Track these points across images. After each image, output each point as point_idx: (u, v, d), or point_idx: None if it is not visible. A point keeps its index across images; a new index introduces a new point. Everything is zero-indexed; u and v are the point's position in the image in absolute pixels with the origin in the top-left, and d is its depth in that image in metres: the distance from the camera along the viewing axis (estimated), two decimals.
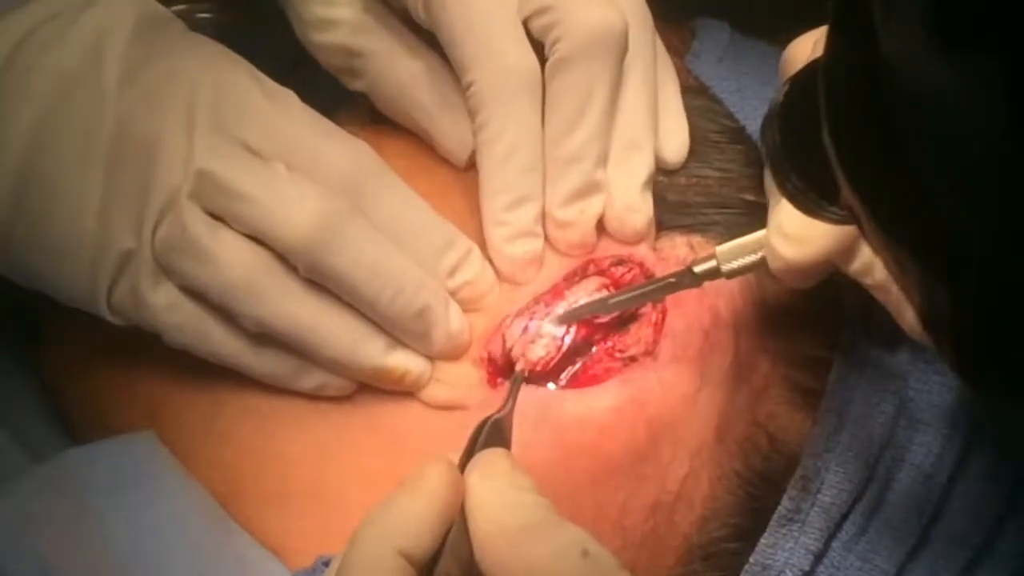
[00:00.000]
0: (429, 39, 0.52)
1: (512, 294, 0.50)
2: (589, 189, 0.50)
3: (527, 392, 0.49)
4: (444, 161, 0.53)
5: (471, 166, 0.51)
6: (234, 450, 0.50)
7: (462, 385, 0.49)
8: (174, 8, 0.52)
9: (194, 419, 0.51)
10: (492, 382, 0.49)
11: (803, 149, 0.38)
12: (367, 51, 0.53)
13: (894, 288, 0.46)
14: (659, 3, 0.54)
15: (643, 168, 0.51)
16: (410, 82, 0.53)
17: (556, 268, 0.51)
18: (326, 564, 0.45)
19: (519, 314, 0.50)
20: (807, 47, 0.47)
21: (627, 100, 0.51)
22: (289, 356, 0.48)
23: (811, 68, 0.39)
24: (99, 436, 0.51)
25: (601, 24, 0.48)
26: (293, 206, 0.45)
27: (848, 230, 0.44)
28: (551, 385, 0.49)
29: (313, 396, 0.49)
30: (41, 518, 0.46)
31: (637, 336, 0.50)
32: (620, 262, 0.51)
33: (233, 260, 0.46)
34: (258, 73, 0.50)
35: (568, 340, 0.50)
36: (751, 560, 0.50)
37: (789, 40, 0.49)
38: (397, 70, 0.53)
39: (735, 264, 0.48)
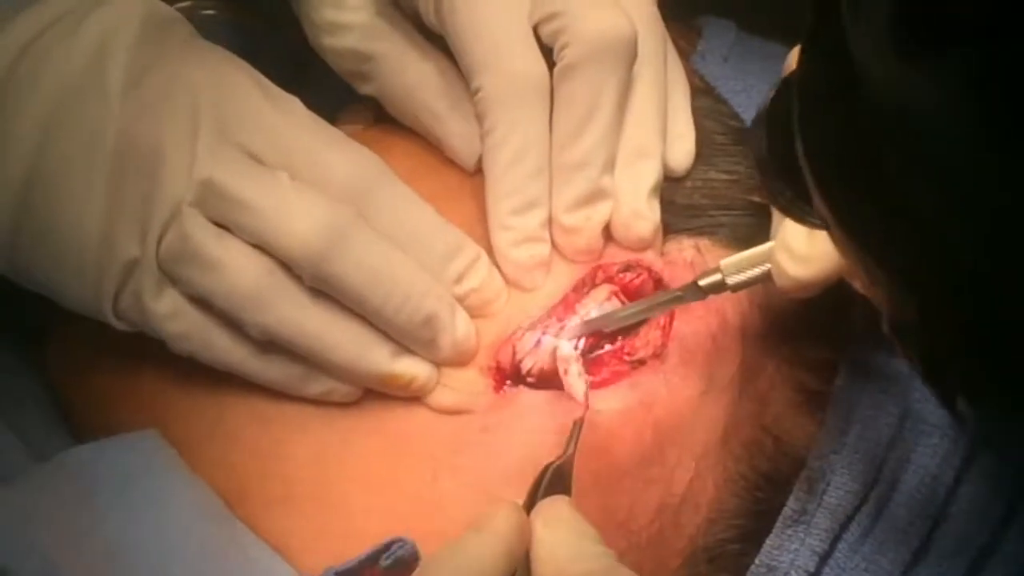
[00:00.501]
0: (440, 44, 0.52)
1: (520, 301, 0.50)
2: (595, 195, 0.50)
3: (533, 395, 0.49)
4: (450, 162, 0.53)
5: (480, 170, 0.51)
6: (239, 452, 0.50)
7: (468, 391, 0.49)
8: (178, 5, 0.52)
9: (199, 420, 0.51)
10: (498, 388, 0.49)
11: (792, 156, 0.38)
12: (378, 54, 0.53)
13: None
14: (664, 2, 0.54)
15: (651, 175, 0.51)
16: (420, 85, 0.53)
17: (563, 274, 0.51)
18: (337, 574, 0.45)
19: (532, 327, 0.50)
20: None
21: (636, 106, 0.51)
22: (295, 363, 0.48)
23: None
24: (103, 436, 0.51)
25: (609, 30, 0.48)
26: (297, 217, 0.45)
27: None
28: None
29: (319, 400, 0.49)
30: (44, 516, 0.46)
31: (646, 339, 0.50)
32: (628, 268, 0.51)
33: (238, 269, 0.46)
34: (262, 79, 0.49)
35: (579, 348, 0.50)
36: (757, 562, 0.51)
37: (795, 38, 0.49)
38: (407, 73, 0.53)
39: (741, 277, 0.48)
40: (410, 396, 0.49)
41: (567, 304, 0.50)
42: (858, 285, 0.46)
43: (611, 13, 0.49)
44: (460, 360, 0.49)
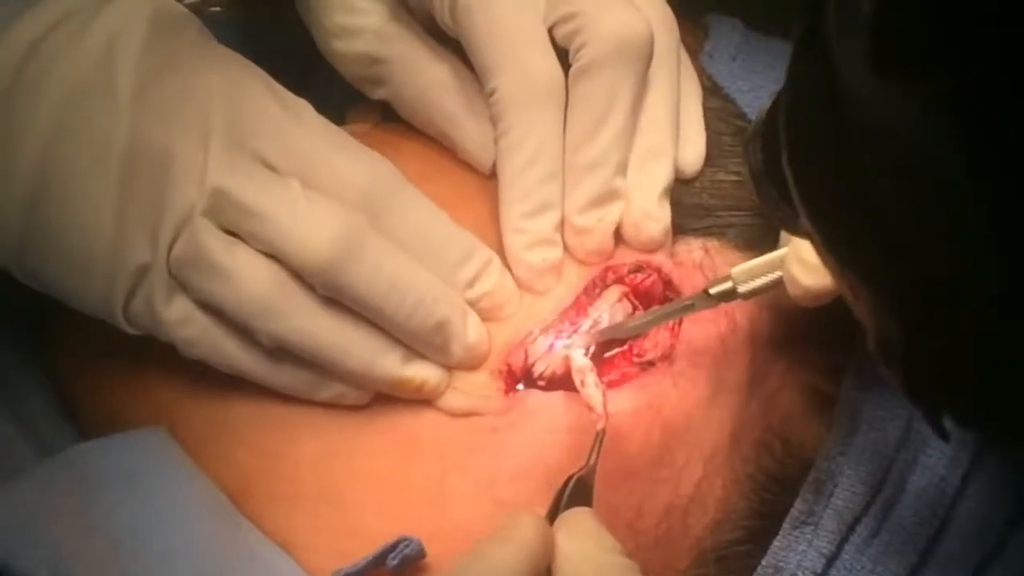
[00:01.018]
0: (454, 47, 0.52)
1: (532, 305, 0.50)
2: (608, 196, 0.50)
3: (542, 397, 0.49)
4: (460, 163, 0.53)
5: (495, 172, 0.51)
6: (245, 450, 0.50)
7: (479, 394, 0.49)
8: (185, 2, 0.52)
9: (206, 418, 0.51)
10: (508, 391, 0.49)
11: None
12: (391, 58, 0.53)
13: None
14: (671, 1, 0.54)
15: (662, 176, 0.51)
16: (434, 87, 0.53)
17: (574, 276, 0.51)
18: None
19: (544, 331, 0.50)
20: None
21: (650, 107, 0.51)
22: (305, 369, 0.48)
23: None
24: (110, 432, 0.51)
25: (625, 31, 0.48)
26: (309, 226, 0.45)
27: None
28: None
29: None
30: (51, 511, 0.46)
31: (655, 341, 0.50)
32: (638, 268, 0.51)
33: (249, 278, 0.46)
34: (273, 83, 0.49)
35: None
36: (763, 563, 0.51)
37: None
38: (421, 76, 0.53)
39: (752, 285, 0.48)
40: (421, 399, 0.49)
41: (579, 307, 0.50)
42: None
43: (628, 13, 0.48)
44: (472, 364, 0.49)
